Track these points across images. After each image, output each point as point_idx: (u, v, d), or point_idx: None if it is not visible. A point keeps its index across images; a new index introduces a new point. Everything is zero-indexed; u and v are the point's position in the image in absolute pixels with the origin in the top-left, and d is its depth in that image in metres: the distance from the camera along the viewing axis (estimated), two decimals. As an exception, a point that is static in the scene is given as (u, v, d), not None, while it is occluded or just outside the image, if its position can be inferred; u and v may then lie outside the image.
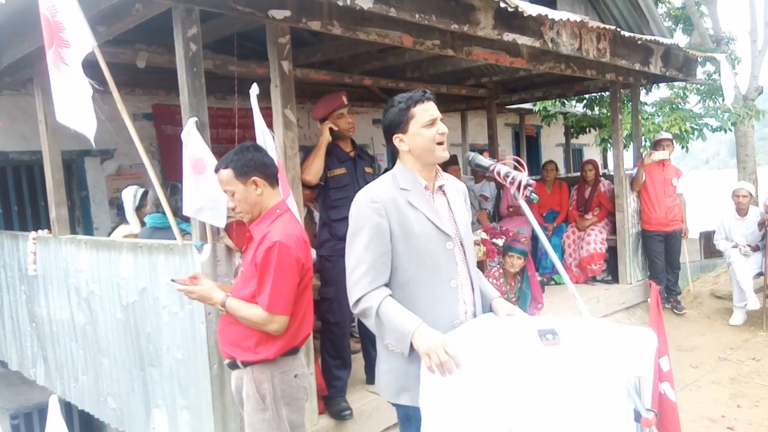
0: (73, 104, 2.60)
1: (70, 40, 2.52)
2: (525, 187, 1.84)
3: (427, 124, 1.96)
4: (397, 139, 2.01)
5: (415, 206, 1.96)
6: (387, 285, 1.95)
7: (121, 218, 4.18)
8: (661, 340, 2.39)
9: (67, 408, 4.56)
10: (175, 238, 2.89)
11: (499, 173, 1.91)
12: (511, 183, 1.87)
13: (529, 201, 1.92)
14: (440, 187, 2.08)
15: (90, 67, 2.66)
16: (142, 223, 3.88)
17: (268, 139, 2.81)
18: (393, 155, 2.12)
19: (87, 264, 3.65)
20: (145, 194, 3.94)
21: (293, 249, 2.20)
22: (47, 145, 4.06)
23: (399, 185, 1.99)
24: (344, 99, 3.47)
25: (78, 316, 3.84)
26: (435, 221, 1.97)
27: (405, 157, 2.03)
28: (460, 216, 2.08)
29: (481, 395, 1.66)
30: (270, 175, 2.34)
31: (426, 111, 1.96)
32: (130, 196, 3.86)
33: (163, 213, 3.00)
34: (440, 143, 1.98)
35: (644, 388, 1.59)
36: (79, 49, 2.51)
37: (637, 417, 1.52)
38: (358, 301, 1.92)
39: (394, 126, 2.00)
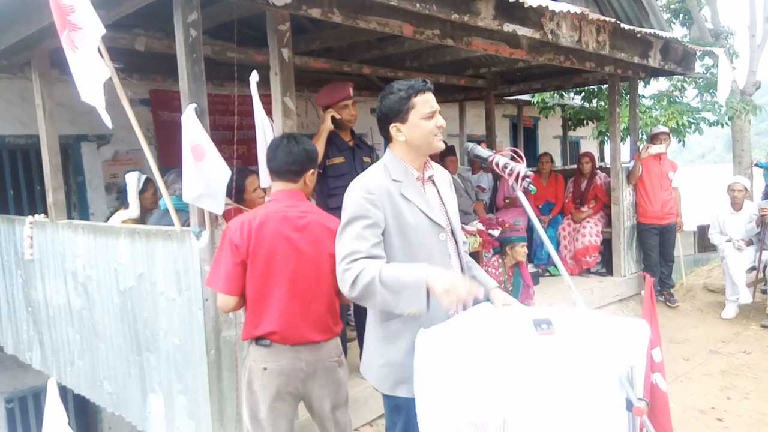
0: (90, 86, 2.56)
1: (79, 23, 2.48)
2: (523, 179, 1.85)
3: (427, 116, 1.93)
4: (393, 129, 1.97)
5: (409, 198, 1.94)
6: None
7: (121, 202, 4.18)
8: (654, 331, 2.42)
9: (62, 392, 4.57)
10: (187, 221, 2.89)
11: (497, 164, 1.91)
12: (510, 174, 1.87)
13: (526, 192, 1.93)
14: (430, 177, 2.07)
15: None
16: (143, 208, 3.88)
17: (267, 126, 2.81)
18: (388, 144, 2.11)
19: (84, 249, 3.66)
20: (147, 180, 3.94)
21: (230, 230, 2.28)
22: (44, 129, 4.05)
23: (391, 176, 1.96)
24: (350, 91, 3.49)
25: (75, 300, 3.84)
26: (428, 213, 1.97)
27: (398, 147, 2.00)
28: (451, 205, 2.08)
29: (475, 383, 1.68)
30: (269, 169, 2.42)
31: (426, 102, 1.94)
32: (133, 180, 3.85)
33: (179, 196, 2.97)
34: (438, 135, 1.97)
35: (636, 377, 1.61)
36: (90, 33, 2.46)
37: (629, 406, 1.55)
38: (354, 282, 1.79)
39: (393, 115, 1.96)
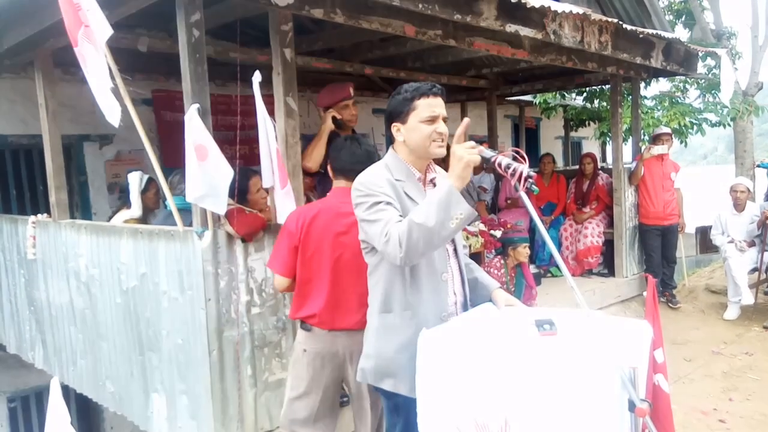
0: (98, 87, 2.55)
1: (86, 21, 2.46)
2: (526, 179, 1.85)
3: (426, 120, 1.93)
4: (394, 128, 2.00)
5: (412, 197, 1.95)
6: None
7: (123, 202, 4.18)
8: (656, 332, 2.42)
9: (65, 391, 4.58)
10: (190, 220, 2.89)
11: (500, 165, 1.90)
12: (512, 174, 1.87)
13: (528, 192, 1.92)
14: (431, 180, 2.07)
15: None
16: (146, 208, 3.89)
17: (269, 126, 2.81)
18: (391, 144, 2.11)
19: (87, 249, 3.66)
20: (149, 179, 3.95)
21: (289, 219, 2.55)
22: (47, 129, 4.05)
23: (394, 176, 1.97)
24: (351, 91, 3.50)
25: (77, 300, 3.85)
26: None
27: (399, 147, 2.02)
28: None
29: (477, 384, 1.68)
30: (332, 168, 2.62)
31: (428, 106, 1.93)
32: (136, 179, 3.86)
33: (183, 196, 2.98)
34: (436, 141, 1.94)
35: (639, 378, 1.61)
36: (96, 32, 2.45)
37: (631, 407, 1.55)
38: (399, 240, 1.75)
39: (395, 115, 1.98)
